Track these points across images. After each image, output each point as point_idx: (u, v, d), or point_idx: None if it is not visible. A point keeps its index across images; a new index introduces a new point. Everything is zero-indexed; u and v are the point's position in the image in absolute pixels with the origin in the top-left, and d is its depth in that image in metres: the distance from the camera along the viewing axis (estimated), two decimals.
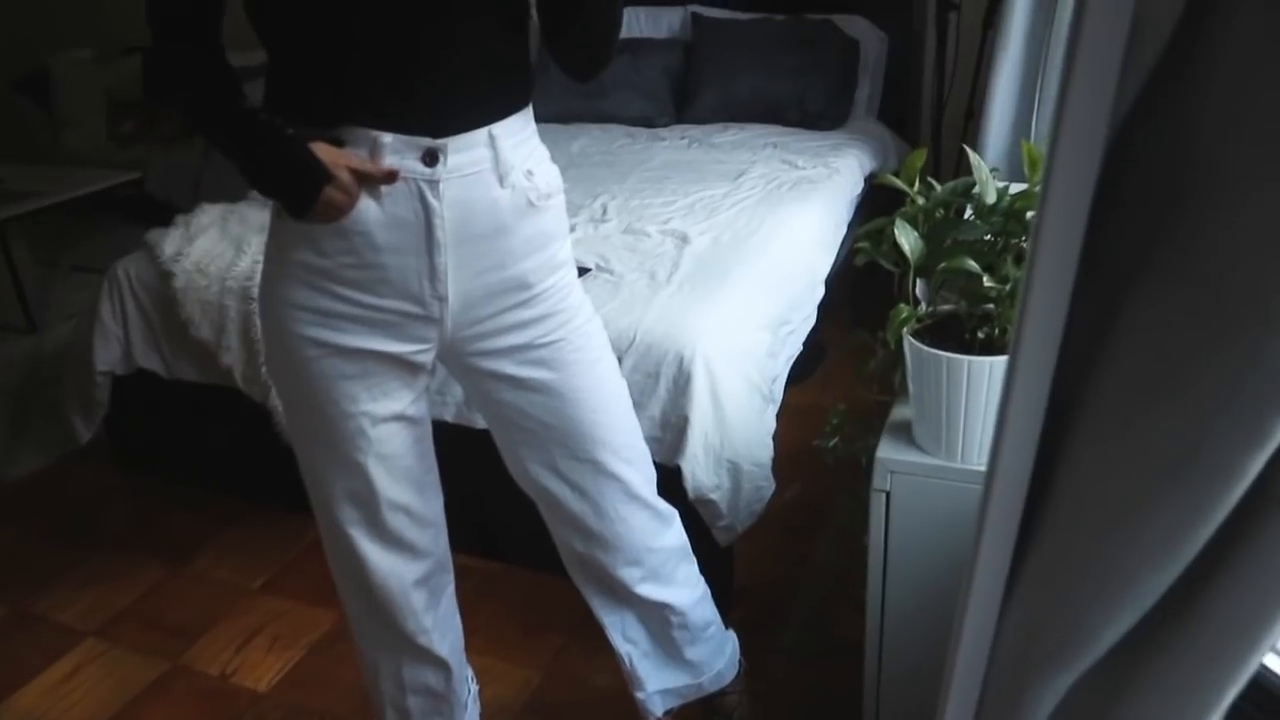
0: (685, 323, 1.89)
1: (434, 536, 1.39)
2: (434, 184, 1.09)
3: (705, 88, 3.39)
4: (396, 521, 1.30)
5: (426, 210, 1.10)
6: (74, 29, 4.96)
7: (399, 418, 1.24)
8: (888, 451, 1.32)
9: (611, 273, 2.11)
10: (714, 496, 1.84)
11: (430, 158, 1.08)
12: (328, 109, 1.08)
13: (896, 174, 1.39)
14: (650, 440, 1.87)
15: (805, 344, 2.32)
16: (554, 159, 3.20)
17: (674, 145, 3.12)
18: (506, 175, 1.13)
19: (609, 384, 1.30)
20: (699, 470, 1.82)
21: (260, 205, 2.44)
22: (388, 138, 1.07)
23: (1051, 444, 0.62)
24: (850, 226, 2.77)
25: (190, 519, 2.49)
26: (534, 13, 1.18)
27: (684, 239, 2.25)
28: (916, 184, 1.40)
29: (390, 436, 1.23)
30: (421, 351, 1.20)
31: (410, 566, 1.35)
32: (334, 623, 2.05)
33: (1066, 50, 0.47)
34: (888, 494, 1.32)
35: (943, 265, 1.26)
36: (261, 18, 1.07)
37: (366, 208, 1.09)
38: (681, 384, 1.83)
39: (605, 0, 1.12)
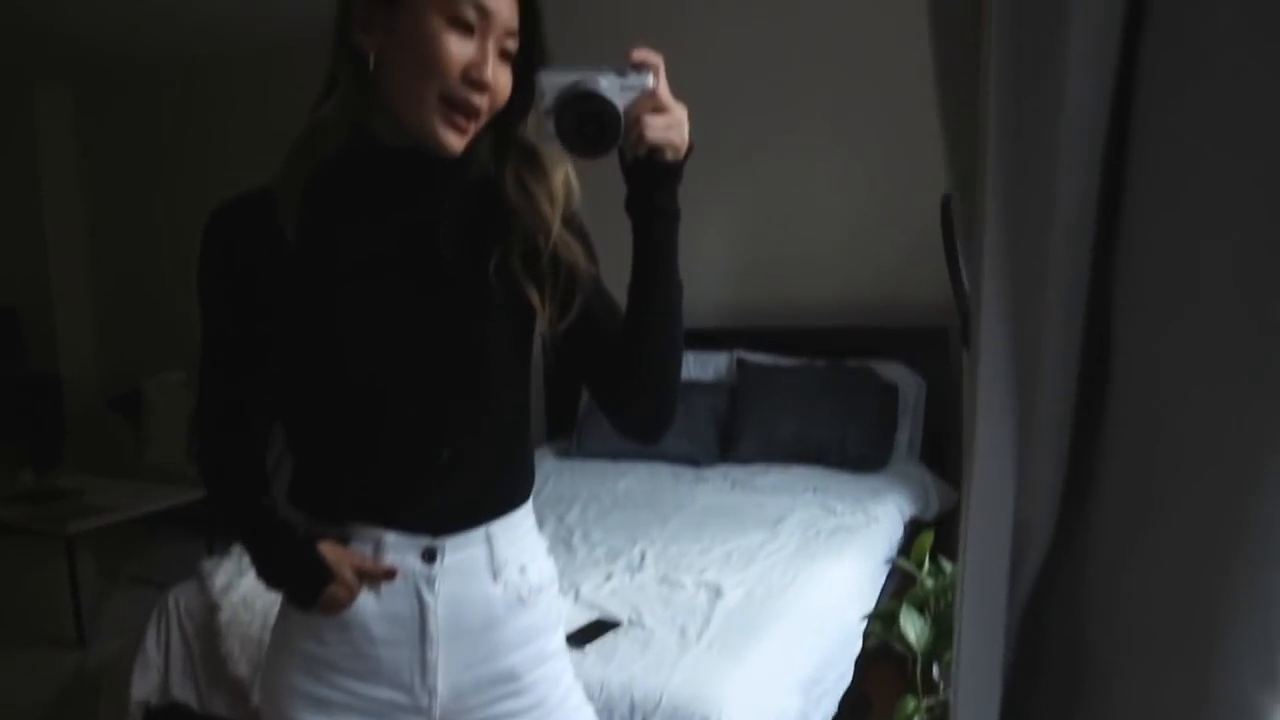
0: (713, 685, 1.86)
1: None
2: (430, 580, 1.15)
3: (749, 430, 3.53)
4: None
5: (421, 605, 1.15)
6: (169, 353, 5.38)
7: None
8: None
9: (643, 627, 2.12)
10: None
11: (429, 556, 1.15)
12: (341, 508, 1.17)
13: (907, 550, 1.43)
14: None
15: (847, 695, 2.25)
16: (600, 497, 3.27)
17: (717, 487, 3.21)
18: (500, 571, 1.18)
19: None
20: None
21: None
22: (391, 536, 1.14)
23: None
24: (890, 574, 2.77)
25: None
26: (588, 394, 1.25)
27: (718, 592, 2.27)
28: (926, 564, 1.43)
29: None
30: None
31: None
32: None
33: (958, 564, 0.52)
34: None
35: (949, 656, 1.26)
36: (289, 429, 1.20)
37: (365, 602, 1.15)
38: None
39: (657, 375, 1.15)
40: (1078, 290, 0.46)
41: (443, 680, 1.17)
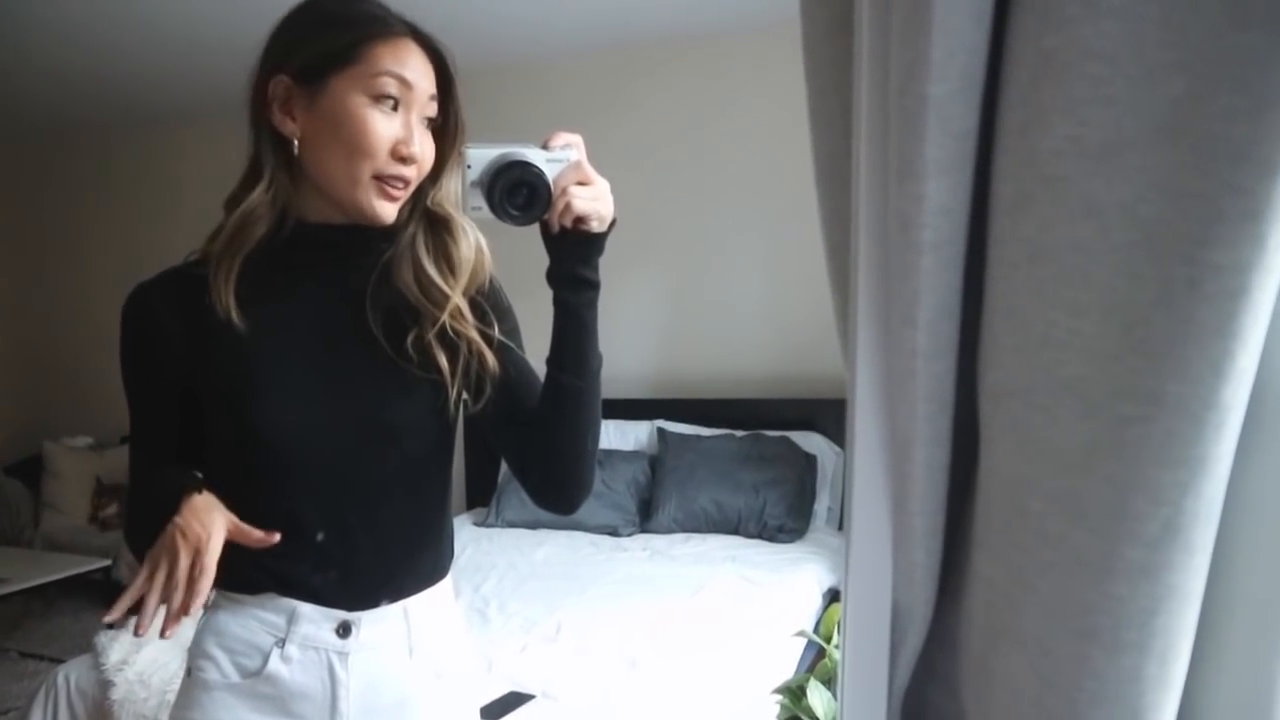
0: None
1: None
2: (344, 656, 1.12)
3: (669, 499, 3.53)
4: None
5: (333, 681, 1.12)
6: (72, 419, 5.23)
7: None
8: None
9: (557, 700, 2.08)
10: None
11: (344, 630, 1.12)
12: (255, 580, 1.13)
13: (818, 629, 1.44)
14: None
15: None
16: (518, 566, 3.22)
17: (636, 556, 3.20)
18: (416, 648, 1.16)
19: None
20: None
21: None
22: (306, 608, 1.12)
23: None
24: (809, 644, 2.77)
25: None
26: (504, 463, 1.23)
27: (633, 663, 2.25)
28: (835, 638, 1.44)
29: None
30: None
31: None
32: None
33: (840, 645, 0.53)
34: None
35: None
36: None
37: (276, 673, 1.11)
38: None
39: (574, 446, 1.14)
40: (945, 385, 0.48)
41: None
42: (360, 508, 1.13)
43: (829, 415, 3.73)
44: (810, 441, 3.66)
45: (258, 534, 1.04)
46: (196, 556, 0.98)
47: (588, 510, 3.53)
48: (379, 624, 1.13)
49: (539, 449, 1.16)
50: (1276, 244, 0.38)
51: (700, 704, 2.09)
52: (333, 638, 1.12)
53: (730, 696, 2.19)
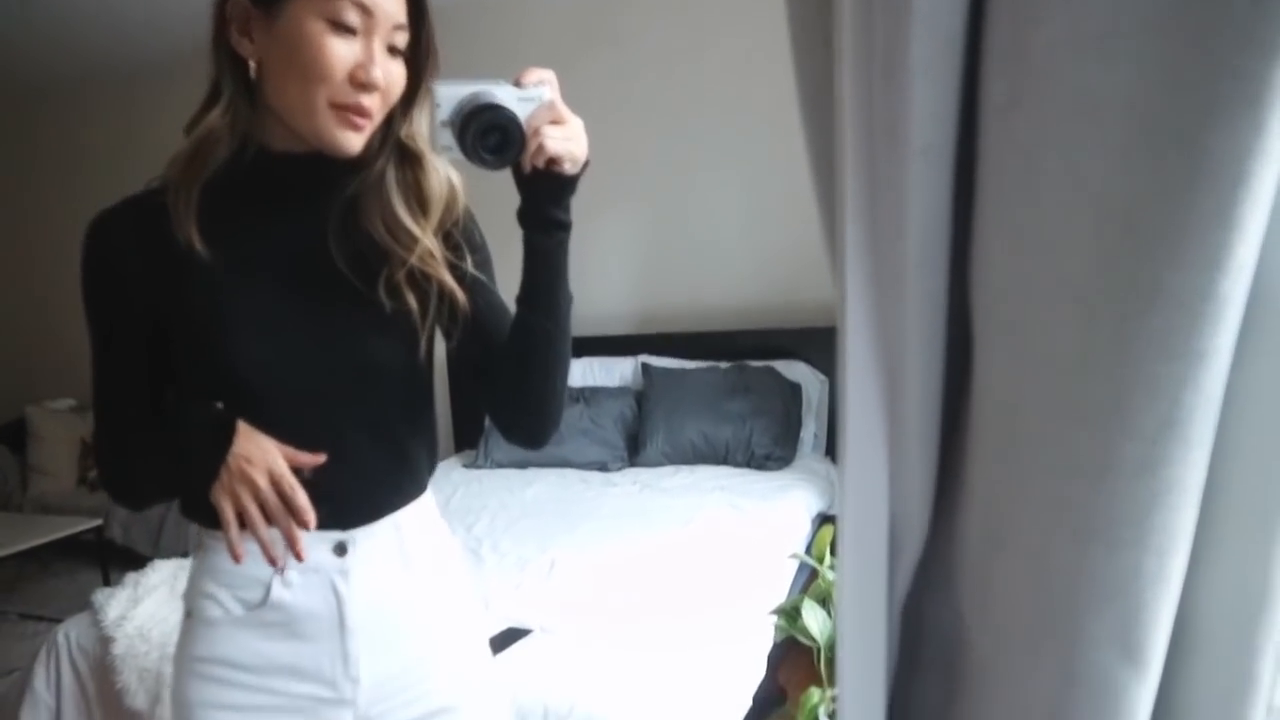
0: (626, 690, 1.87)
1: None
2: (344, 573, 1.13)
3: (656, 433, 3.55)
4: None
5: (338, 599, 1.13)
6: (53, 381, 5.18)
7: None
8: None
9: (554, 634, 2.11)
10: None
11: (340, 549, 1.13)
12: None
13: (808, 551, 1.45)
14: None
15: (761, 689, 2.28)
16: (509, 506, 3.23)
17: (626, 491, 3.22)
18: (411, 558, 1.18)
19: None
20: None
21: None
22: (300, 533, 1.12)
23: None
24: (802, 568, 2.81)
25: None
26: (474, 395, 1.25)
27: (627, 596, 2.27)
28: (828, 559, 1.46)
29: None
30: None
31: None
32: None
33: (838, 559, 0.54)
34: None
35: None
36: None
37: (280, 600, 1.12)
38: None
39: (545, 383, 1.15)
40: (937, 293, 0.47)
41: (365, 669, 1.15)
42: (342, 441, 1.12)
43: (812, 344, 3.74)
44: (794, 370, 3.67)
45: (305, 457, 1.05)
46: (273, 478, 1.02)
47: (576, 447, 3.54)
48: (373, 539, 1.15)
49: (510, 385, 1.16)
50: (1277, 130, 0.37)
51: (698, 627, 2.12)
52: (330, 558, 1.13)
53: (727, 619, 2.23)
